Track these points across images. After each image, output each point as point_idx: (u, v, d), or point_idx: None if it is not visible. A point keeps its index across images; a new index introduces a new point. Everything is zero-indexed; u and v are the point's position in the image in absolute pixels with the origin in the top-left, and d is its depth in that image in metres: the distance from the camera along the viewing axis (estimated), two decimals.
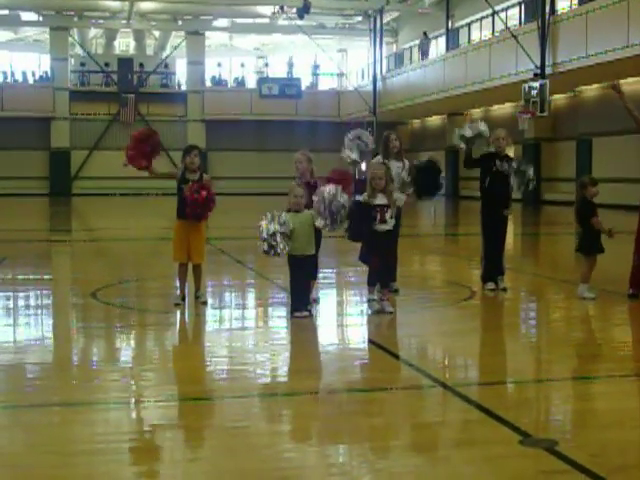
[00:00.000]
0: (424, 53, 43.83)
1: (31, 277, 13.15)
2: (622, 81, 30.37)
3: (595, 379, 6.54)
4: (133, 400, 5.88)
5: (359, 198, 9.07)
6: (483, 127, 10.47)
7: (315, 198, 8.65)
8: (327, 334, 8.54)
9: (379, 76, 45.55)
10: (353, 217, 8.89)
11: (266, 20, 48.56)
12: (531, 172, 10.56)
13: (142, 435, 5.14)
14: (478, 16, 39.51)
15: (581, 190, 10.08)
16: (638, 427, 5.31)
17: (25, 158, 46.96)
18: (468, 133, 10.46)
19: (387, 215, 8.99)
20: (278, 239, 8.52)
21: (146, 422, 5.45)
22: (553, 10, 30.08)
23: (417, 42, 46.55)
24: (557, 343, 8.03)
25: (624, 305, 9.70)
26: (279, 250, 8.57)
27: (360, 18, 49.10)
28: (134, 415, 5.63)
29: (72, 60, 50.39)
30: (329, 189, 8.65)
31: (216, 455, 4.74)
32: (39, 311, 10.24)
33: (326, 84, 53.96)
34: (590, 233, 9.98)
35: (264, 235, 8.55)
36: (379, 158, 10.17)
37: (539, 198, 36.31)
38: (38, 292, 11.55)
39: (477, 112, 42.95)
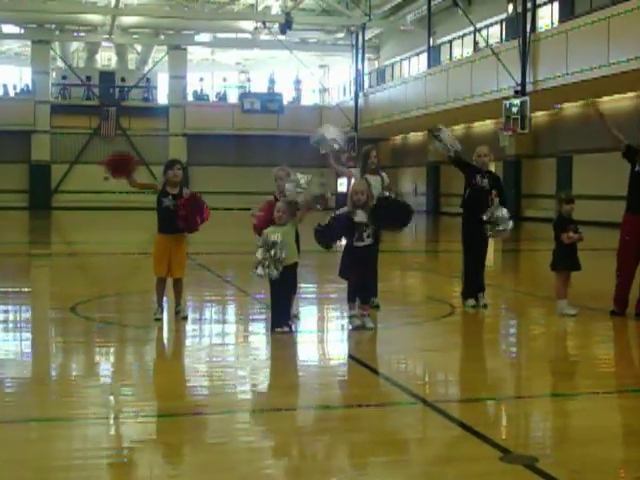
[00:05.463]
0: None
1: (10, 291, 13.06)
2: (603, 99, 30.65)
3: (575, 396, 6.54)
4: (112, 416, 5.84)
5: (339, 212, 9.10)
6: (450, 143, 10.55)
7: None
8: (308, 350, 8.52)
9: (361, 92, 45.70)
10: (333, 227, 8.92)
11: (248, 35, 48.62)
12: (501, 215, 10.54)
13: (121, 451, 5.09)
14: (460, 33, 39.74)
15: (557, 206, 10.19)
16: (618, 444, 5.32)
17: (5, 171, 46.72)
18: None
19: (365, 234, 9.01)
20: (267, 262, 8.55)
21: (125, 438, 5.41)
22: (534, 28, 30.29)
23: (399, 58, 46.87)
24: (537, 360, 8.04)
25: (605, 322, 9.73)
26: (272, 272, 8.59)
27: (342, 34, 49.26)
28: (113, 431, 5.59)
29: (53, 73, 50.25)
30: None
31: (195, 471, 4.70)
32: (18, 325, 10.17)
33: (308, 99, 54.06)
34: (561, 249, 10.03)
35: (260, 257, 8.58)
36: (357, 171, 10.24)
37: (519, 214, 36.47)
38: (17, 306, 11.48)
39: (458, 128, 43.17)
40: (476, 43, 38.64)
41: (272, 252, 8.54)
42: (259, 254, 8.57)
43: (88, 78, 49.89)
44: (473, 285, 10.69)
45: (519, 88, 29.23)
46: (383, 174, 10.51)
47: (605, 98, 30.80)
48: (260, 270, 8.59)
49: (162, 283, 9.63)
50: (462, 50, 39.45)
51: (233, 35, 49.92)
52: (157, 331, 9.22)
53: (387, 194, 9.84)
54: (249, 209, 9.70)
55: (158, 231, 9.63)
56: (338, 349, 8.64)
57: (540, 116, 34.83)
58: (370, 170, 10.29)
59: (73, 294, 11.97)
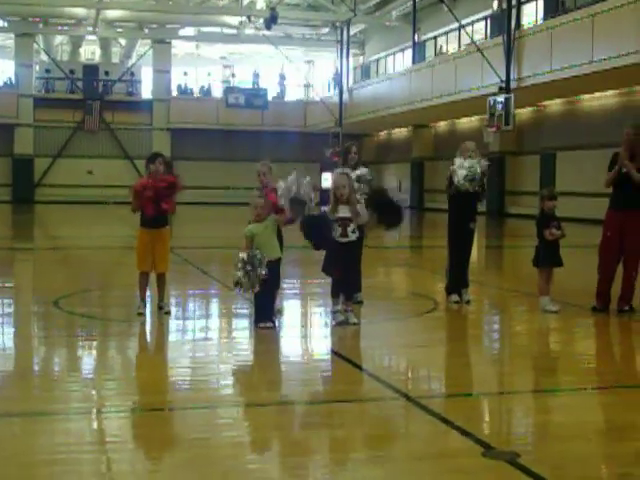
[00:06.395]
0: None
1: None
2: (586, 96, 30.76)
3: (557, 392, 6.57)
4: (94, 410, 5.83)
5: (324, 209, 9.11)
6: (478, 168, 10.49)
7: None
8: (291, 345, 8.52)
9: (345, 87, 45.70)
10: (318, 226, 8.94)
11: (233, 30, 48.51)
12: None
13: (103, 446, 5.09)
14: (445, 29, 39.79)
15: (540, 203, 10.24)
16: (599, 440, 5.35)
17: None
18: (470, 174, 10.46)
19: (349, 229, 9.01)
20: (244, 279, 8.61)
21: (107, 432, 5.40)
22: (518, 25, 30.35)
23: (384, 54, 46.90)
24: (519, 356, 8.07)
25: (587, 318, 9.77)
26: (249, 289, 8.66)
27: (327, 29, 49.21)
28: (95, 425, 5.58)
29: (37, 67, 50.02)
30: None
31: (178, 466, 4.70)
32: (0, 319, 10.12)
33: (293, 95, 54.00)
34: (543, 245, 10.07)
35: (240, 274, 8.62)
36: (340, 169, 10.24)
37: (503, 211, 36.56)
38: None
39: (443, 124, 43.24)
40: (440, 47, 38.98)
41: (251, 268, 8.57)
42: (239, 273, 8.60)
43: (72, 72, 49.67)
44: (457, 281, 10.72)
45: (503, 85, 29.28)
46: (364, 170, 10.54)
47: (587, 96, 30.93)
48: (239, 289, 8.73)
49: (145, 278, 9.61)
50: (447, 46, 39.51)
51: (218, 29, 49.78)
52: (140, 326, 9.20)
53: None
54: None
55: (140, 225, 9.61)
56: (321, 344, 8.64)
57: (524, 113, 34.93)
58: (350, 166, 10.32)
59: (56, 288, 11.93)
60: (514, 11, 30.17)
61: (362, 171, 10.40)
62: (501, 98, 29.26)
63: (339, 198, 8.98)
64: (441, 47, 39.55)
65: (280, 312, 9.54)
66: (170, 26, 49.18)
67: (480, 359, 7.98)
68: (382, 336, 8.94)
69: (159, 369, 7.33)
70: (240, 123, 48.80)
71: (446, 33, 39.87)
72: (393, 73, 42.55)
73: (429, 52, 41.48)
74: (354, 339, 8.68)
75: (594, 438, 5.34)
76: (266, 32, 42.62)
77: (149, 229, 9.49)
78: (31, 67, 48.70)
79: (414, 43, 40.74)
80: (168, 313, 9.58)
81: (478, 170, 10.41)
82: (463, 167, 10.40)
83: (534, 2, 32.78)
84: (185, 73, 52.80)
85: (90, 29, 47.60)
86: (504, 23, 30.09)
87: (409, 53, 41.79)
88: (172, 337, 8.88)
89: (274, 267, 8.86)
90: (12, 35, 48.91)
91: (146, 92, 51.18)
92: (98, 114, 48.89)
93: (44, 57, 50.72)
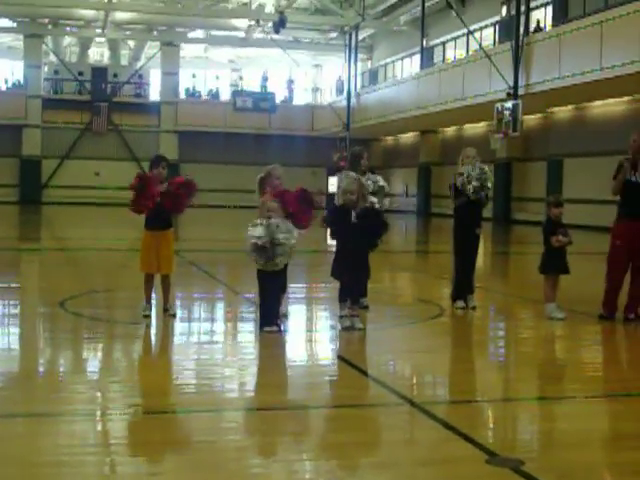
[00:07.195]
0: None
1: None
2: (595, 103, 30.73)
3: (562, 399, 6.55)
4: (99, 412, 5.83)
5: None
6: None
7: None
8: (296, 349, 8.51)
9: (353, 92, 45.72)
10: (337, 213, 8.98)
11: (242, 33, 48.60)
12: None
13: (107, 448, 5.08)
14: (453, 35, 39.79)
15: (546, 210, 10.24)
16: (604, 448, 5.34)
17: None
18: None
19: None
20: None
21: (111, 435, 5.40)
22: (527, 31, 30.33)
23: (392, 59, 46.88)
24: (525, 363, 8.05)
25: (593, 326, 9.75)
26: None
27: (336, 34, 49.27)
28: (99, 427, 5.58)
29: (46, 68, 50.18)
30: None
31: (182, 469, 4.70)
32: (5, 320, 10.13)
33: (300, 99, 54.04)
34: (550, 252, 10.05)
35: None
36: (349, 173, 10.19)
37: (509, 217, 36.53)
38: (5, 301, 11.44)
39: (450, 130, 43.23)
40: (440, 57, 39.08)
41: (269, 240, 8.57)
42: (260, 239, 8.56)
43: (80, 73, 49.84)
44: (463, 287, 10.70)
45: (511, 91, 29.26)
46: (370, 174, 10.53)
47: (595, 102, 30.89)
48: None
49: (150, 280, 9.62)
50: (455, 52, 39.53)
51: (226, 33, 49.86)
52: (145, 328, 9.20)
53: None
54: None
55: (145, 227, 9.61)
56: (327, 349, 8.64)
57: (531, 119, 34.89)
58: (360, 172, 10.27)
59: (62, 289, 11.95)
60: (523, 17, 30.15)
61: (377, 179, 10.40)
62: (509, 104, 29.26)
63: (346, 202, 8.97)
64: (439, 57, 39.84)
65: (285, 316, 9.53)
66: (179, 29, 49.30)
67: (485, 365, 7.96)
68: (388, 341, 8.93)
69: (164, 372, 7.33)
70: (248, 126, 48.88)
71: (454, 39, 39.88)
72: (401, 78, 42.57)
73: (437, 57, 41.51)
74: (360, 344, 8.67)
75: (599, 446, 5.32)
76: (275, 36, 42.72)
77: (153, 231, 9.50)
78: (40, 68, 48.86)
79: (422, 48, 40.75)
80: (173, 315, 9.58)
81: (489, 184, 10.44)
82: (473, 178, 10.38)
83: (543, 8, 32.77)
84: (193, 76, 52.93)
85: (99, 31, 47.76)
86: (513, 29, 30.07)
87: (417, 58, 41.80)
88: (177, 340, 8.87)
89: (281, 271, 8.86)
90: (21, 36, 49.05)
91: (154, 94, 51.35)
92: (106, 116, 49.01)
93: (53, 58, 50.89)
